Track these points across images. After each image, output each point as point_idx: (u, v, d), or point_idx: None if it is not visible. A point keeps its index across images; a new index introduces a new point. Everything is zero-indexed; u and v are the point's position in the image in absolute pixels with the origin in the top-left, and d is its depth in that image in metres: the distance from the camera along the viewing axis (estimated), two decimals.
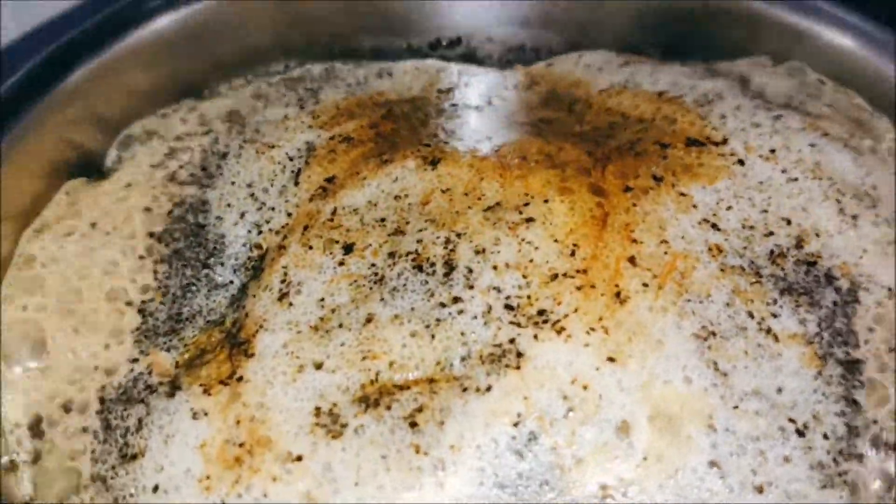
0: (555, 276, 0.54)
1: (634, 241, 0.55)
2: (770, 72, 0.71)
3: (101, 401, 0.55)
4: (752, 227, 0.59)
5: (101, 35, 0.64)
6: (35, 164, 0.60)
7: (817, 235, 0.59)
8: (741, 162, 0.62)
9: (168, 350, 0.57)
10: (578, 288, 0.53)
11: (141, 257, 0.60)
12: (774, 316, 0.55)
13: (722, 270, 0.56)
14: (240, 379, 0.52)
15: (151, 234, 0.61)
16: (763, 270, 0.57)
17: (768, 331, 0.54)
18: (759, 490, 0.49)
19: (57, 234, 0.60)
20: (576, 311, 0.52)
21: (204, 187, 0.64)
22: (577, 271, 0.54)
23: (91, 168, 0.64)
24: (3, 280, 0.58)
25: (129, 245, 0.60)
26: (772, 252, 0.58)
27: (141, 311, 0.58)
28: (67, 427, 0.54)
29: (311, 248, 0.58)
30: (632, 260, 0.54)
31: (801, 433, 0.51)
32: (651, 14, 0.74)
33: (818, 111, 0.68)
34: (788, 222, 0.59)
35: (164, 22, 0.67)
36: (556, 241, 0.55)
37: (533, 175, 0.59)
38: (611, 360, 0.50)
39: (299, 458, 0.49)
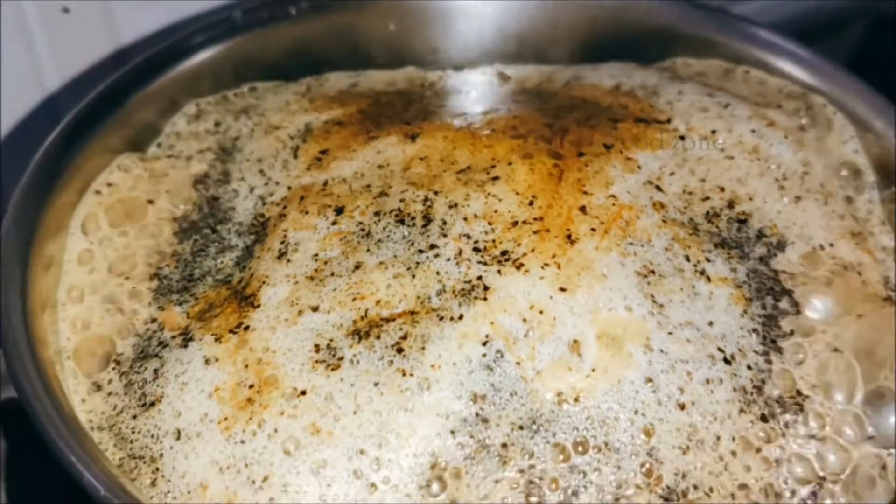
0: (515, 223, 0.61)
1: (585, 192, 0.63)
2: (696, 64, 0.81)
3: (117, 359, 0.61)
4: (690, 193, 0.67)
5: (154, 65, 0.76)
6: (101, 147, 0.71)
7: (750, 199, 0.67)
8: (682, 138, 0.70)
9: (180, 304, 0.63)
10: (535, 232, 0.61)
11: (173, 229, 0.68)
12: (709, 261, 0.62)
13: (664, 221, 0.64)
14: (247, 328, 0.59)
15: (179, 206, 0.70)
16: (700, 227, 0.65)
17: (702, 272, 0.62)
18: (682, 407, 0.56)
19: (105, 199, 0.68)
20: (533, 250, 0.60)
21: (225, 163, 0.73)
22: (535, 219, 0.61)
23: (139, 146, 0.75)
24: (67, 238, 0.66)
25: (161, 214, 0.69)
26: (707, 212, 0.66)
27: (156, 276, 0.65)
28: (88, 377, 0.60)
29: (307, 213, 0.65)
30: (583, 209, 0.62)
31: (727, 361, 0.58)
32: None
33: (767, 103, 0.76)
34: (722, 189, 0.67)
35: (208, 53, 0.78)
36: (517, 194, 0.63)
37: (499, 143, 0.67)
38: (562, 289, 0.58)
39: (303, 393, 0.55)
